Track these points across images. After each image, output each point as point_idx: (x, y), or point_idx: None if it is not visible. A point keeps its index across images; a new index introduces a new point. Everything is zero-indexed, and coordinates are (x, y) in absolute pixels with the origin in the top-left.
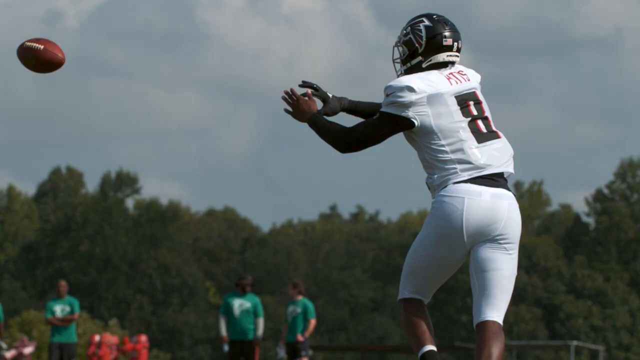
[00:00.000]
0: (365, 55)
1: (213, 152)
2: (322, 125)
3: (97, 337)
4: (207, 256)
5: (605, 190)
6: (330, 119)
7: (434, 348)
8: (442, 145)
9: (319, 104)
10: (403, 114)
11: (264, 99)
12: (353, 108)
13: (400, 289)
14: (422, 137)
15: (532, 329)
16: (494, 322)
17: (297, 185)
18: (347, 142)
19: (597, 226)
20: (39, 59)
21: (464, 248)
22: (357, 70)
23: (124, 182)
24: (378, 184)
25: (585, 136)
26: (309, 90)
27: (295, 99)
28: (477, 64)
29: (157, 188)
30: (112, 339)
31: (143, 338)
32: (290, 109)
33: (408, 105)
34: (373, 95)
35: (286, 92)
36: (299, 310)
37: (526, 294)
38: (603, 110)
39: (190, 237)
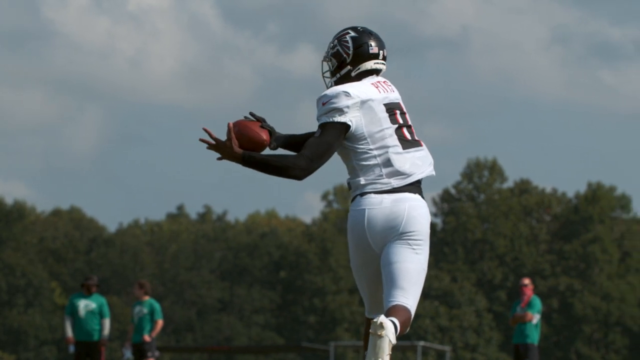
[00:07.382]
0: (211, 54)
1: (59, 151)
2: (265, 161)
3: None
4: (53, 256)
5: (453, 191)
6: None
7: None
8: (371, 150)
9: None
10: (341, 119)
11: (110, 98)
12: (290, 141)
13: None
14: (352, 142)
15: None
16: (404, 305)
17: (144, 185)
18: (305, 167)
19: (444, 226)
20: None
21: (377, 256)
22: (204, 68)
23: None
24: (226, 183)
25: (432, 136)
26: (230, 123)
27: (228, 143)
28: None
29: (1, 187)
30: None
31: None
32: (218, 153)
33: (344, 109)
34: (220, 93)
35: (203, 140)
36: (145, 310)
37: None
38: (450, 110)
39: (35, 237)
